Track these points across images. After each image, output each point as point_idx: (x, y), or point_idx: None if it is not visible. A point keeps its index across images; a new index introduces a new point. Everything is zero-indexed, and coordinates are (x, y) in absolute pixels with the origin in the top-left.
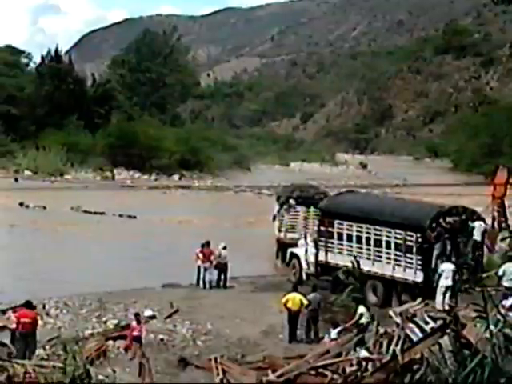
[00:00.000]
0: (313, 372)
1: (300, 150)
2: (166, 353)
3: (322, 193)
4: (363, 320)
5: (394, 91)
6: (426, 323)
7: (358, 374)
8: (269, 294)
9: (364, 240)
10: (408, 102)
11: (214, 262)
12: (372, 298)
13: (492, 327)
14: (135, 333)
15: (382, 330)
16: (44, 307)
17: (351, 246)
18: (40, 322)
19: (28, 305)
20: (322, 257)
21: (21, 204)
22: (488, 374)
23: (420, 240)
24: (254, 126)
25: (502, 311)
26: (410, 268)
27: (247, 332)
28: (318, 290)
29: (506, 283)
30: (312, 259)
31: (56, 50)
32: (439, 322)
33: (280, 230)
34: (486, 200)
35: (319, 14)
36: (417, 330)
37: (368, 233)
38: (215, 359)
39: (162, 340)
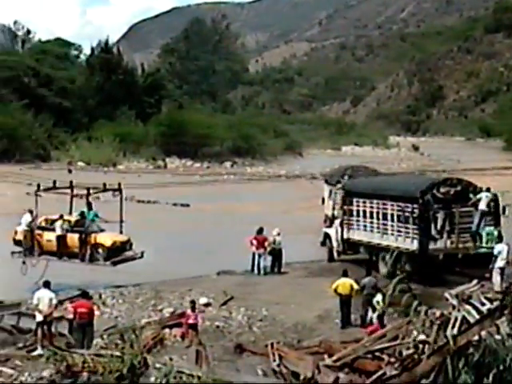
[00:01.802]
0: (369, 356)
1: (351, 134)
2: (222, 340)
3: (374, 171)
4: (378, 307)
5: (444, 72)
6: (483, 304)
7: (415, 357)
8: (323, 278)
9: (374, 215)
10: (459, 82)
11: (268, 249)
12: (383, 270)
13: None
14: (191, 320)
15: (437, 313)
16: (100, 297)
17: (366, 222)
18: (97, 312)
19: (84, 295)
20: (345, 234)
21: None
22: None
23: (414, 210)
24: (304, 111)
25: None
26: (408, 237)
27: (303, 317)
28: (373, 274)
29: None
30: (339, 237)
31: (106, 42)
32: (496, 303)
33: (334, 209)
34: None
35: None
36: (473, 312)
37: (378, 208)
38: (271, 345)
39: (217, 327)
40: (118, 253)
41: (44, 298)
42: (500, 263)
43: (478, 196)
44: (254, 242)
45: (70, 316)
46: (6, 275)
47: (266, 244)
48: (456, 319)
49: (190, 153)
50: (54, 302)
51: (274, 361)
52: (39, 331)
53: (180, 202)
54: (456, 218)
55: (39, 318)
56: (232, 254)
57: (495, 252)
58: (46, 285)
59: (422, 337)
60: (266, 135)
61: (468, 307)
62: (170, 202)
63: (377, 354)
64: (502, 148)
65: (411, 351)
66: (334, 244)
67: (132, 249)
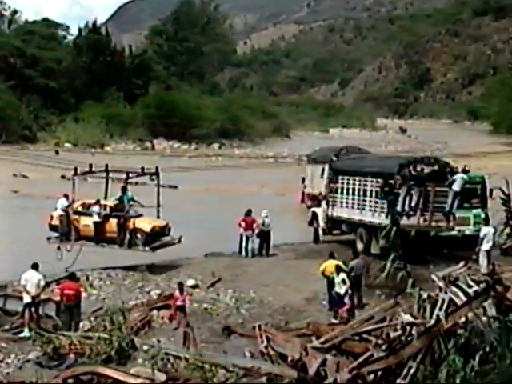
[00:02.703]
0: (357, 338)
1: (339, 116)
2: (210, 321)
3: (366, 152)
4: (343, 288)
5: (432, 54)
6: (470, 287)
7: (402, 338)
8: (311, 260)
9: (356, 191)
10: (447, 65)
11: (257, 230)
12: (360, 246)
13: None
14: (179, 302)
15: (425, 295)
16: (88, 279)
17: (348, 199)
18: (84, 294)
19: (72, 277)
20: (330, 211)
21: (62, 177)
22: None
23: (390, 185)
24: (292, 93)
25: None
26: (383, 212)
27: (290, 299)
28: (361, 256)
29: None
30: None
31: (94, 22)
32: (482, 286)
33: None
34: None
35: None
36: (460, 294)
37: (359, 184)
38: (259, 327)
39: (205, 309)
40: (156, 238)
41: (32, 280)
42: (486, 246)
43: (454, 177)
44: (243, 223)
45: (57, 298)
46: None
47: (255, 226)
48: (443, 301)
49: (178, 134)
50: (42, 283)
51: (262, 343)
52: (26, 313)
53: (168, 184)
54: (430, 196)
55: (27, 299)
56: (220, 235)
57: (481, 234)
58: (34, 266)
59: (409, 318)
60: (253, 117)
61: (455, 289)
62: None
63: (365, 336)
64: (489, 131)
65: (398, 333)
66: (321, 223)
67: (170, 234)
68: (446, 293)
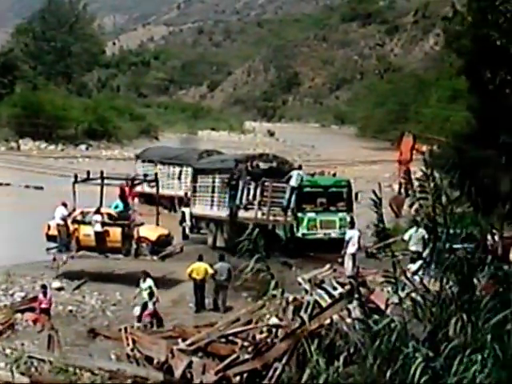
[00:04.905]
0: (223, 340)
1: (208, 119)
2: (75, 324)
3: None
4: (145, 294)
5: (300, 59)
6: (335, 289)
7: (268, 341)
8: (179, 262)
9: (209, 189)
10: (315, 69)
11: None
12: (209, 240)
13: (400, 292)
14: (43, 305)
15: (290, 298)
16: None
17: (203, 196)
18: None
19: None
20: (192, 209)
21: None
22: (395, 337)
23: (229, 181)
24: (161, 95)
25: (408, 275)
26: (225, 207)
27: None
28: (226, 259)
29: (412, 247)
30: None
31: None
32: (347, 288)
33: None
34: (393, 166)
35: None
36: (326, 296)
37: (211, 182)
38: (125, 329)
39: (70, 311)
40: (162, 247)
41: None
42: (351, 249)
43: (290, 173)
44: None
45: None
46: None
47: None
48: (308, 303)
49: (45, 135)
50: None
51: (128, 345)
52: None
53: (33, 185)
54: (268, 191)
55: None
56: None
57: (347, 238)
58: None
59: (275, 321)
60: (121, 118)
61: (320, 291)
62: (22, 185)
63: (231, 338)
64: (355, 135)
65: (264, 335)
66: (188, 221)
67: (172, 243)
68: (311, 295)
